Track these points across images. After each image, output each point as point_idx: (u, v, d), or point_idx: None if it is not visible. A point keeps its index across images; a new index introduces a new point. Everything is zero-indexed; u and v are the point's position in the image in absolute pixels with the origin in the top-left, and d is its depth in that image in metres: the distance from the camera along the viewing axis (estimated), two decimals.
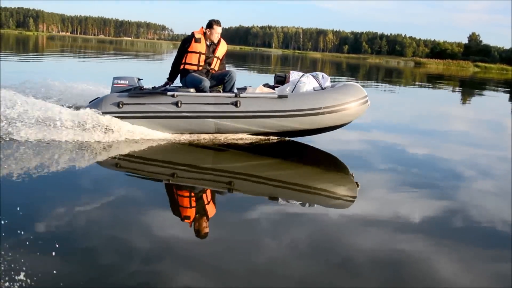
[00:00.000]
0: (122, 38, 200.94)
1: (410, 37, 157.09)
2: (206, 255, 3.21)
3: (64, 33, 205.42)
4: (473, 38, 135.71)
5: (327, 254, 3.38)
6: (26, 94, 6.61)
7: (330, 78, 6.66)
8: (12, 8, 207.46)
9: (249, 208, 4.20)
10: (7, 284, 2.53)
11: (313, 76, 6.57)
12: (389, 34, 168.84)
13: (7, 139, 5.45)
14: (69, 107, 6.54)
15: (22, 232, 3.20)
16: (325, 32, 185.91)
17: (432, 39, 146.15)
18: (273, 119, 6.16)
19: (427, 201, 4.79)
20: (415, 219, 4.20)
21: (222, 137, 6.49)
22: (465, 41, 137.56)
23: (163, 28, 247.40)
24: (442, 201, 4.78)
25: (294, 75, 6.62)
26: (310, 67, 39.47)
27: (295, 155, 6.51)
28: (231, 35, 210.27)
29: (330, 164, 6.26)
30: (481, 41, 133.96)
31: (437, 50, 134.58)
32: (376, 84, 23.99)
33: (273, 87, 6.64)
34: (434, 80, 33.68)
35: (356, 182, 5.31)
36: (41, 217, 3.60)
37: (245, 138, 6.57)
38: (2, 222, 3.30)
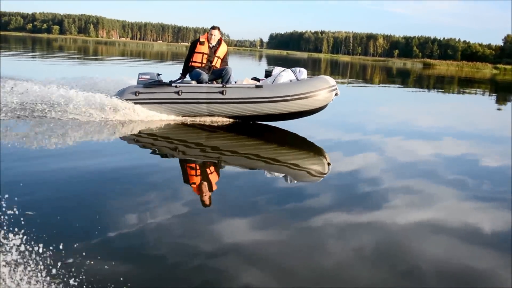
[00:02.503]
0: (179, 43, 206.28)
1: (464, 41, 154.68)
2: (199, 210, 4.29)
3: (124, 38, 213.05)
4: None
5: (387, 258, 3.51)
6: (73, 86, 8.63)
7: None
8: (75, 15, 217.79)
9: (239, 178, 5.27)
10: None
11: (292, 71, 8.14)
12: (441, 39, 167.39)
13: (58, 118, 7.37)
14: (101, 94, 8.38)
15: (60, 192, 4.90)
16: (375, 37, 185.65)
17: (488, 43, 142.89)
18: (251, 104, 7.78)
19: (498, 213, 4.70)
20: (484, 231, 4.15)
21: (214, 120, 8.16)
22: None
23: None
24: None
25: (276, 70, 8.22)
26: (360, 74, 39.95)
27: (278, 140, 8.00)
28: (285, 40, 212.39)
29: (309, 148, 7.41)
30: None
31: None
32: (424, 90, 24.77)
33: (259, 80, 8.25)
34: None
35: (329, 163, 6.45)
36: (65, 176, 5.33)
37: (233, 121, 8.21)
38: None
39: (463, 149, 8.25)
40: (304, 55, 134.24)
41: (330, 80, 7.94)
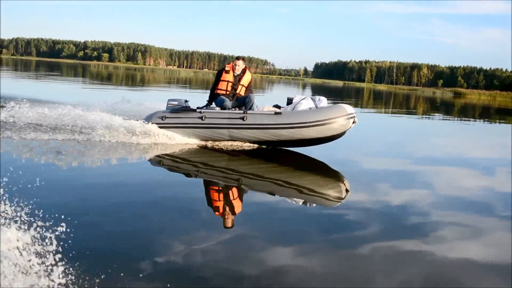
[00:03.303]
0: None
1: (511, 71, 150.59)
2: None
3: (170, 66, 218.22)
4: None
5: None
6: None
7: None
8: (124, 43, 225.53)
9: (258, 201, 5.52)
10: None
11: (312, 99, 8.49)
12: (487, 69, 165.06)
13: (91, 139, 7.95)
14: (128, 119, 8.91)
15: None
16: (420, 67, 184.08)
17: None
18: (270, 130, 8.15)
19: None
20: None
21: (235, 144, 8.54)
22: None
23: (265, 62, 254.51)
24: None
25: (297, 98, 8.58)
26: (404, 103, 39.82)
27: (298, 165, 8.34)
28: (329, 69, 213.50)
29: (328, 174, 7.64)
30: None
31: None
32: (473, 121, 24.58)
33: (279, 107, 8.62)
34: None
35: (347, 189, 6.64)
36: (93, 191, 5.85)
37: (254, 146, 8.57)
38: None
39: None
40: (339, 83, 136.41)
41: (348, 108, 8.22)
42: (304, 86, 72.25)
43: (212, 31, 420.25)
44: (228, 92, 8.73)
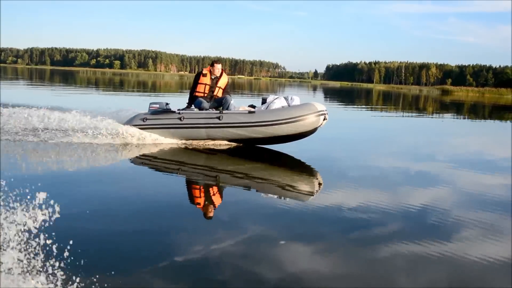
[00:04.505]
0: (236, 76, 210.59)
1: None
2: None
3: (182, 72, 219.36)
4: None
5: None
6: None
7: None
8: (135, 50, 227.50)
9: (238, 197, 5.80)
10: None
11: (284, 98, 8.89)
12: (496, 67, 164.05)
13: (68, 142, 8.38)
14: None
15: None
16: (428, 66, 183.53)
17: None
18: (245, 128, 8.59)
19: None
20: None
21: (213, 143, 8.96)
22: None
23: (276, 66, 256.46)
24: None
25: (270, 97, 8.99)
26: (413, 104, 39.61)
27: (274, 161, 8.79)
28: (340, 71, 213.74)
29: (301, 170, 8.12)
30: None
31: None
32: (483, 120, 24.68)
33: (254, 107, 9.02)
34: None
35: (319, 182, 7.09)
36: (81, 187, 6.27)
37: (230, 145, 8.99)
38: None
39: None
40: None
41: (318, 106, 8.61)
42: (314, 89, 72.37)
43: (224, 36, 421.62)
44: (206, 94, 9.15)
